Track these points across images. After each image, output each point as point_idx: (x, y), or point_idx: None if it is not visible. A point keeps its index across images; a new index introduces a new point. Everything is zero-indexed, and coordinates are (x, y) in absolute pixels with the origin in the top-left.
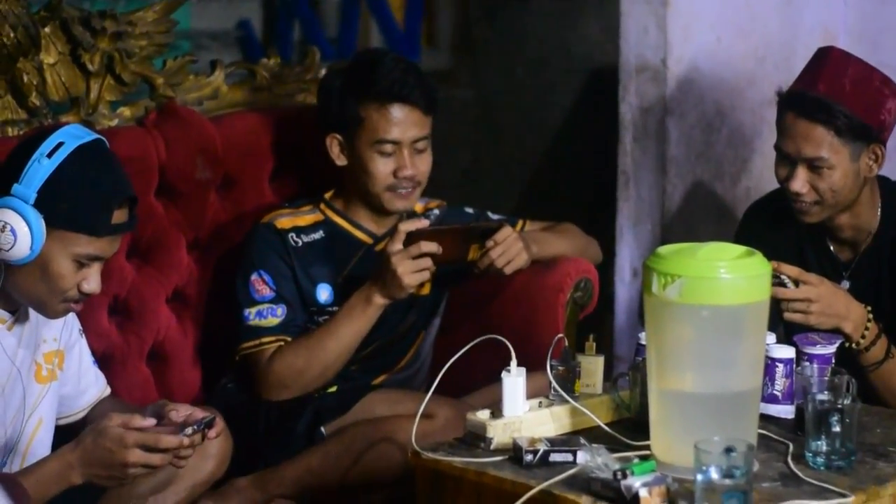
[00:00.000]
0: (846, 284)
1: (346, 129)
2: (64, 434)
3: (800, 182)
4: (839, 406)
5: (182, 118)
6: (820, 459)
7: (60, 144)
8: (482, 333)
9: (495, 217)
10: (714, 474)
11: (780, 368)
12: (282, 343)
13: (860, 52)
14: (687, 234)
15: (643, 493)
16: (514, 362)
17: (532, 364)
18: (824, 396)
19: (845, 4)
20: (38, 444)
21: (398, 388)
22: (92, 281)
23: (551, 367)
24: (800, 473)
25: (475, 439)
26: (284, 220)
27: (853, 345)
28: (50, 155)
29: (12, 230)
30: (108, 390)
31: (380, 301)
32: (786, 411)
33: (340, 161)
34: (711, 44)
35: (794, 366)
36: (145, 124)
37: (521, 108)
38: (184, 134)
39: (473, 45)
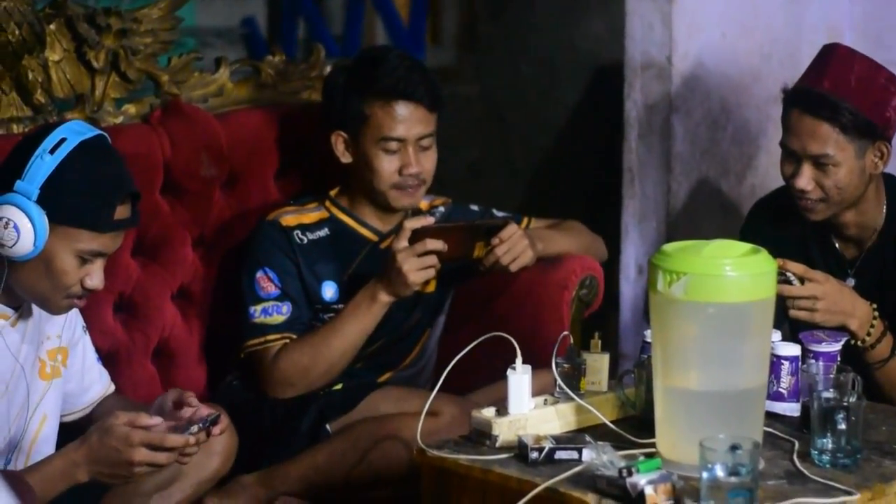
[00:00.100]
0: (851, 282)
1: (350, 126)
2: (68, 431)
3: (805, 179)
4: (845, 404)
5: (187, 115)
6: (825, 457)
7: (63, 140)
8: (487, 331)
9: (500, 214)
10: (719, 472)
11: (786, 366)
12: (287, 341)
13: (865, 49)
14: (692, 232)
15: (649, 490)
16: (519, 360)
17: (537, 361)
18: (830, 394)
19: (850, 2)
20: (43, 441)
21: (403, 386)
22: (95, 277)
23: (556, 364)
24: (805, 471)
25: (480, 437)
26: (289, 218)
27: (859, 342)
28: (52, 151)
29: (15, 226)
30: (112, 387)
31: (385, 299)
32: (791, 409)
33: (345, 158)
34: (716, 41)
35: (800, 363)
36: (150, 122)
37: (525, 106)
38: (189, 131)
39: (478, 42)
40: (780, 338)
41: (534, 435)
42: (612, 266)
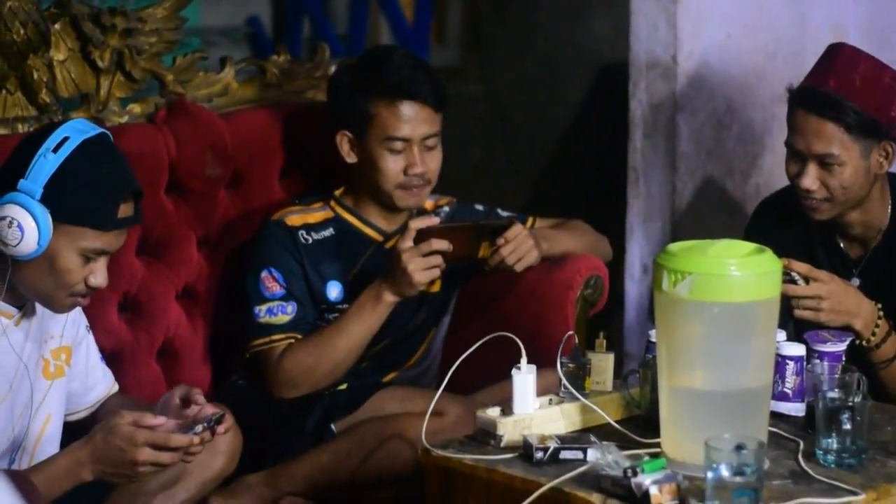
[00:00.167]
0: (856, 281)
1: (355, 126)
2: (72, 431)
3: (810, 179)
4: (850, 404)
5: (192, 115)
6: (830, 457)
7: (66, 139)
8: (492, 331)
9: (505, 214)
10: (724, 472)
11: (791, 366)
12: (292, 340)
13: (870, 48)
14: (697, 231)
15: (653, 490)
16: (524, 359)
17: (542, 361)
18: (835, 394)
19: (855, 1)
20: (47, 441)
21: (408, 386)
22: (99, 275)
23: (561, 364)
24: (810, 471)
25: (485, 436)
26: (294, 218)
27: (863, 342)
28: (55, 150)
29: (19, 226)
30: (115, 387)
31: (390, 298)
32: (796, 409)
33: (350, 158)
34: (721, 40)
35: (805, 363)
36: (155, 121)
37: (530, 105)
38: (193, 131)
39: (483, 41)
40: (785, 337)
41: (538, 435)
42: (616, 266)
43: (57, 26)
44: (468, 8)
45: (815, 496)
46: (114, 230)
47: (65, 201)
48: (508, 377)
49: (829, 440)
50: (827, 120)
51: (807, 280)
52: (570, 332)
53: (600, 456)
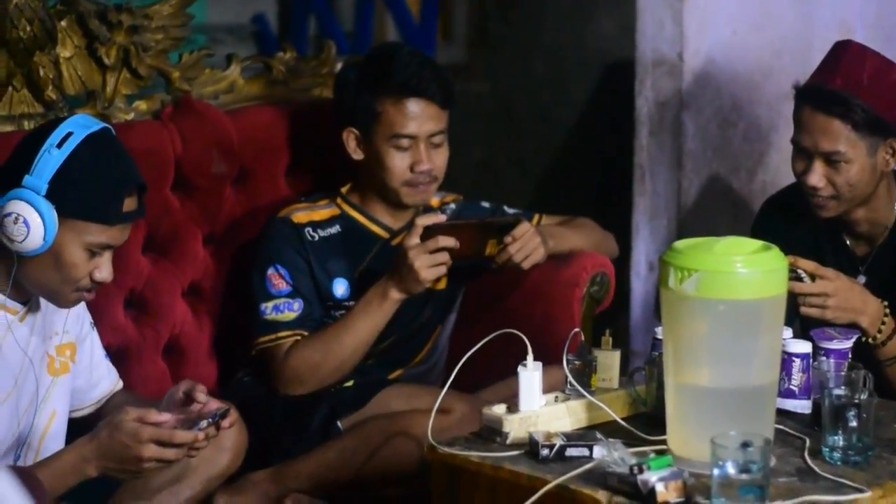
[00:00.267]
0: (862, 279)
1: (362, 123)
2: (76, 427)
3: (816, 176)
4: (856, 401)
5: (198, 112)
6: (836, 454)
7: (69, 134)
8: (498, 328)
9: (511, 211)
10: (731, 469)
11: (797, 363)
12: (298, 337)
13: (877, 45)
14: (703, 229)
15: (660, 487)
16: (530, 357)
17: (548, 358)
18: (841, 391)
19: None
20: (52, 437)
21: (414, 383)
22: (104, 269)
23: (567, 361)
24: (816, 468)
25: (491, 434)
26: (301, 215)
27: (869, 339)
28: (59, 145)
29: (25, 221)
30: (120, 384)
31: (396, 296)
32: (802, 406)
33: (357, 155)
34: (728, 38)
35: (811, 361)
36: (161, 118)
37: (536, 102)
38: (200, 128)
39: (489, 38)
40: (791, 335)
41: (544, 432)
42: (622, 263)
43: (63, 23)
44: (474, 6)
45: (822, 493)
46: (119, 224)
47: (70, 196)
48: (514, 374)
49: (836, 437)
50: (834, 117)
51: (813, 277)
52: (576, 330)
53: (606, 453)
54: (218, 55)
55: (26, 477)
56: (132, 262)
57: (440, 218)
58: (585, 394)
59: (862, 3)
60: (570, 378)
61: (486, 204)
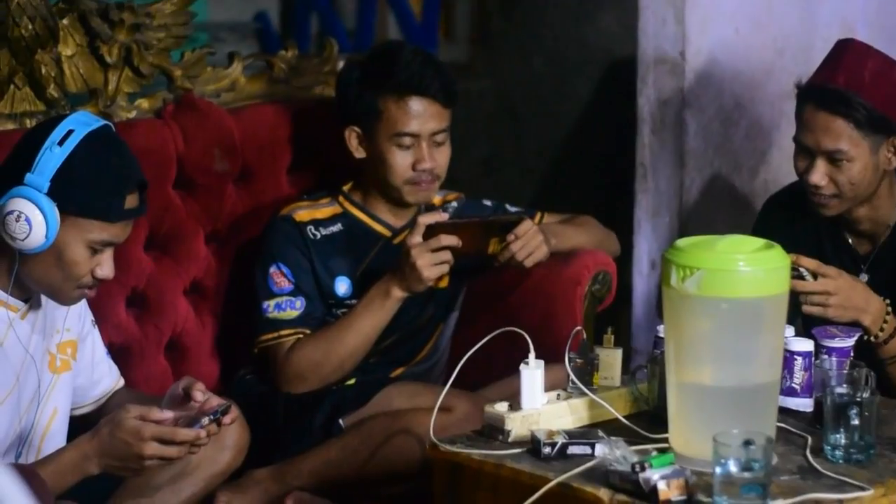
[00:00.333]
0: (864, 277)
1: (364, 121)
2: (77, 425)
3: (819, 175)
4: (858, 399)
5: (200, 110)
6: (838, 453)
7: (70, 132)
8: (500, 326)
9: (513, 209)
10: (733, 467)
11: (799, 361)
12: (300, 336)
13: (879, 44)
14: (705, 227)
15: (661, 485)
16: (532, 355)
17: (550, 356)
18: (843, 389)
19: None
20: (53, 435)
21: (416, 381)
22: (105, 266)
23: (569, 359)
24: (818, 467)
25: (493, 432)
26: (303, 213)
27: (872, 338)
28: (61, 143)
29: (27, 219)
30: (121, 382)
31: (399, 294)
32: (804, 404)
33: (359, 153)
34: (730, 36)
35: (813, 359)
36: (163, 116)
37: (538, 101)
38: (201, 126)
39: (491, 37)
40: (793, 333)
41: (546, 430)
42: (624, 261)
43: (65, 21)
44: (476, 4)
45: (824, 492)
46: (120, 221)
47: (72, 194)
48: (516, 372)
49: (838, 436)
50: (836, 115)
51: (815, 276)
52: (578, 328)
53: (608, 451)
54: (220, 53)
55: (28, 475)
56: (134, 259)
57: (442, 216)
58: (587, 392)
59: (863, 2)
60: (572, 376)
61: (487, 202)
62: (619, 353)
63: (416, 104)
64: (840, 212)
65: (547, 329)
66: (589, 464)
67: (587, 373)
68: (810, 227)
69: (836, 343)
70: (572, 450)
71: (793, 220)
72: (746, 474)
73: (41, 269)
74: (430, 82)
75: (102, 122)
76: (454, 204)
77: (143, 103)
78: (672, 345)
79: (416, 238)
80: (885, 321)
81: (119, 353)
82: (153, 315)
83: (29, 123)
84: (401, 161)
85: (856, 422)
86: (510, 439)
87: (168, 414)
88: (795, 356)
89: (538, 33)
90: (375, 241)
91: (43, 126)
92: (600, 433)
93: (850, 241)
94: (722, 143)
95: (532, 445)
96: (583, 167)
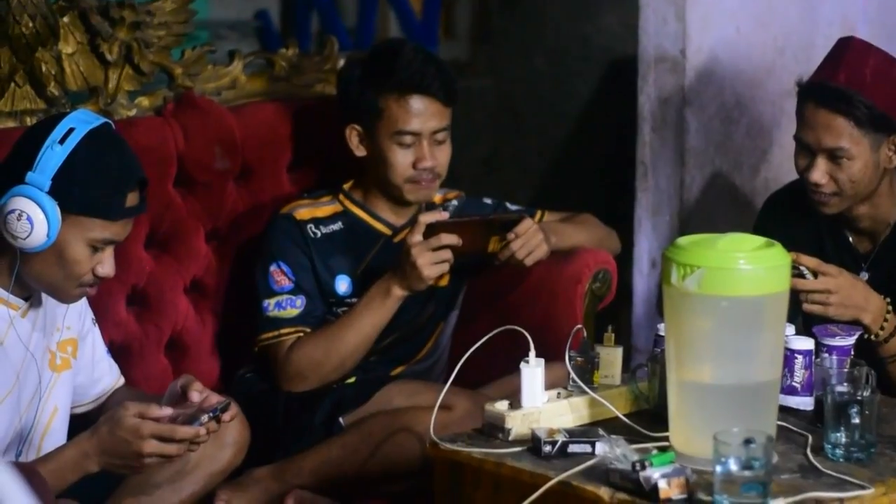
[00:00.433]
0: (865, 276)
1: (365, 119)
2: (77, 423)
3: (819, 173)
4: (858, 398)
5: (200, 108)
6: (839, 451)
7: (71, 130)
8: (500, 324)
9: (514, 207)
10: (733, 466)
11: (800, 360)
12: (301, 334)
13: (880, 42)
14: (705, 225)
15: (662, 484)
16: (532, 353)
17: (550, 355)
18: (843, 388)
19: None
20: (53, 433)
21: (416, 380)
22: (106, 265)
23: (570, 357)
24: (819, 465)
25: (493, 430)
26: (303, 212)
27: (872, 336)
28: (62, 141)
29: (29, 218)
30: (121, 380)
31: (399, 293)
32: (805, 403)
33: (359, 152)
34: (730, 34)
35: (814, 357)
36: (164, 114)
37: (539, 99)
38: (202, 124)
39: (492, 35)
40: (793, 332)
41: (547, 428)
42: (625, 259)
43: (65, 19)
44: (477, 2)
45: (824, 490)
46: (121, 220)
47: (73, 192)
48: (516, 371)
49: (838, 434)
50: (837, 113)
51: (815, 274)
52: (579, 326)
53: (609, 450)
54: (220, 51)
55: (28, 473)
56: (134, 258)
57: (443, 215)
58: (588, 390)
59: (864, 0)
60: (573, 374)
61: (488, 200)
62: (619, 351)
63: (417, 103)
64: (840, 210)
65: (547, 327)
66: (589, 462)
67: (587, 371)
68: (811, 226)
69: (837, 341)
70: (573, 448)
71: (793, 219)
72: (747, 473)
73: (42, 267)
74: (431, 81)
75: (103, 120)
76: (454, 202)
77: (144, 101)
78: (672, 343)
79: (417, 237)
80: (886, 320)
81: (119, 351)
82: (153, 313)
83: (29, 121)
84: (401, 159)
85: (856, 420)
86: (510, 438)
87: (167, 411)
88: (796, 354)
89: (539, 31)
90: (376, 240)
91: (43, 124)
92: (601, 432)
93: (850, 239)
94: (723, 142)
95: (532, 444)
96: (583, 165)
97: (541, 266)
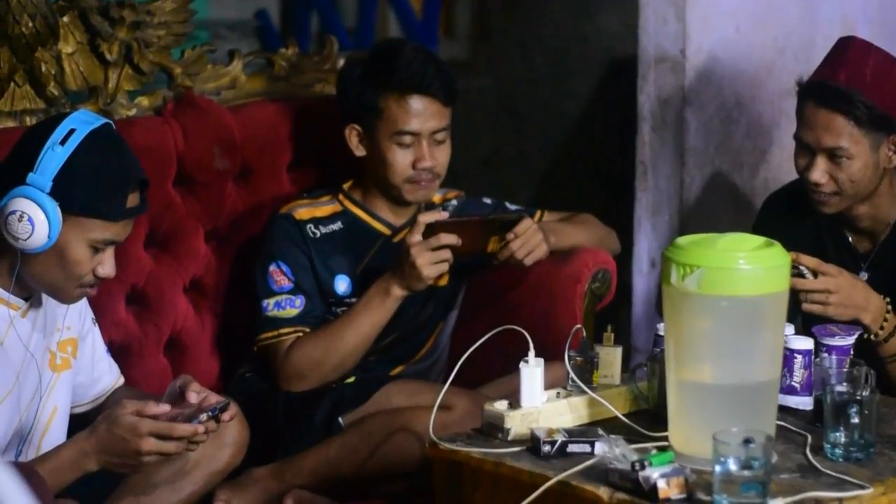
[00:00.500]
0: (865, 275)
1: (364, 119)
2: (77, 423)
3: (819, 172)
4: (858, 397)
5: (200, 108)
6: (838, 451)
7: (72, 131)
8: (500, 324)
9: (513, 207)
10: (732, 465)
11: (799, 360)
12: (300, 334)
13: (880, 42)
14: (705, 225)
15: (661, 483)
16: (531, 353)
17: (550, 355)
18: (843, 388)
19: None
20: (53, 433)
21: (416, 379)
22: (107, 265)
23: (569, 357)
24: (818, 465)
25: (493, 430)
26: (303, 211)
27: (872, 336)
28: (63, 142)
29: (30, 219)
30: (121, 380)
31: (398, 292)
32: (804, 403)
33: (359, 152)
34: (730, 34)
35: (813, 357)
36: (163, 114)
37: (539, 98)
38: (202, 124)
39: (491, 34)
40: (793, 331)
41: (546, 428)
42: (624, 259)
43: (65, 19)
44: (477, 1)
45: (823, 490)
46: (122, 220)
47: (74, 193)
48: (516, 371)
49: (837, 434)
50: (837, 113)
51: (815, 274)
52: (578, 326)
53: (608, 449)
54: (220, 51)
55: (27, 472)
56: (134, 257)
57: (442, 215)
58: (587, 390)
59: (864, 0)
60: (572, 374)
61: (487, 200)
62: (618, 351)
63: (417, 103)
64: (840, 209)
65: (547, 327)
66: (588, 462)
67: (587, 371)
68: (810, 225)
69: (836, 341)
70: (572, 448)
71: (793, 219)
72: (746, 472)
73: (42, 268)
74: (431, 81)
75: (104, 120)
76: (454, 202)
77: (144, 101)
78: (672, 343)
79: (416, 236)
80: (886, 319)
81: (119, 351)
82: (153, 313)
83: (29, 121)
84: (401, 159)
85: (856, 420)
86: (510, 437)
87: (165, 407)
88: (795, 354)
89: (539, 31)
90: (375, 240)
91: (44, 125)
92: (600, 431)
93: (850, 239)
94: (722, 142)
95: (532, 444)
96: (583, 165)
97: (540, 266)
